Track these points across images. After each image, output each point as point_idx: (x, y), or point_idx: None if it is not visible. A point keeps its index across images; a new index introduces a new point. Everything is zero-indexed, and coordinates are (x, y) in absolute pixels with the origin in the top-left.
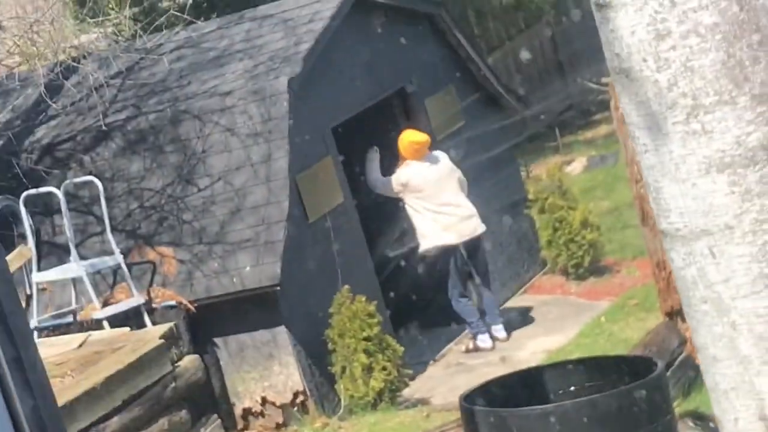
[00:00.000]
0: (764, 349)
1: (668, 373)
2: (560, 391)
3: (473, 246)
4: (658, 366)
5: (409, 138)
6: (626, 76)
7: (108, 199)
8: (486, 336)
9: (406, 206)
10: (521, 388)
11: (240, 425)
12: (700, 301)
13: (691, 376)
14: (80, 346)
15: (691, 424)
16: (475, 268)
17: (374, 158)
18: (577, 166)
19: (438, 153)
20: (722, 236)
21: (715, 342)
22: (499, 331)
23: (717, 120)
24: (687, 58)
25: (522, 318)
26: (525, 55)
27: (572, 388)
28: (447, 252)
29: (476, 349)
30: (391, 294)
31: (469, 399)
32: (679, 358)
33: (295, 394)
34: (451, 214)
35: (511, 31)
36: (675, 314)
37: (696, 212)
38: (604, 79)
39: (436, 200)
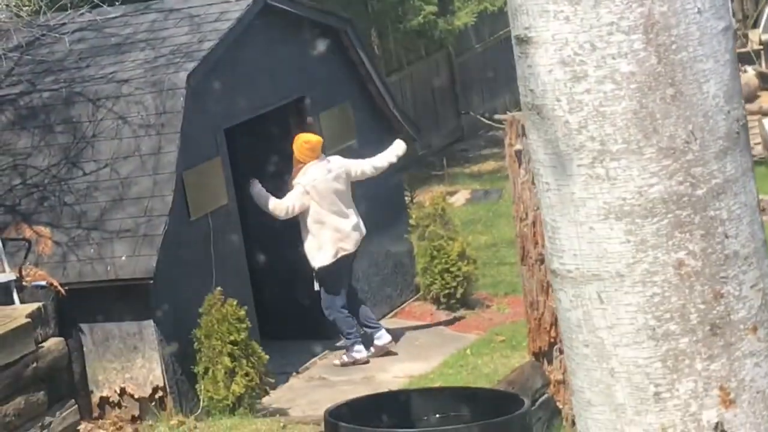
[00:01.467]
0: (639, 399)
1: None
2: (425, 417)
3: (353, 257)
4: (524, 403)
5: (303, 138)
6: (538, 113)
7: None
8: (362, 346)
9: (306, 218)
10: (386, 409)
11: (95, 413)
12: (582, 344)
13: (549, 418)
14: None
15: None
16: (351, 277)
17: (259, 189)
18: (459, 197)
19: (334, 158)
20: (612, 283)
21: (591, 386)
22: (383, 336)
23: (622, 168)
24: (600, 102)
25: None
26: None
27: (437, 415)
28: (341, 263)
29: (353, 361)
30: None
31: (333, 414)
32: (541, 399)
33: (155, 389)
34: (350, 219)
35: (411, 56)
36: (542, 355)
37: (590, 256)
38: (497, 116)
39: (335, 207)
